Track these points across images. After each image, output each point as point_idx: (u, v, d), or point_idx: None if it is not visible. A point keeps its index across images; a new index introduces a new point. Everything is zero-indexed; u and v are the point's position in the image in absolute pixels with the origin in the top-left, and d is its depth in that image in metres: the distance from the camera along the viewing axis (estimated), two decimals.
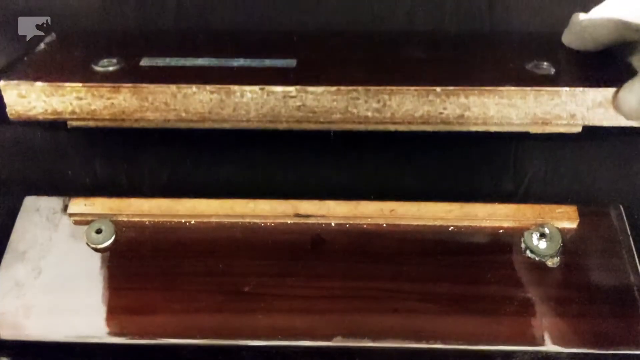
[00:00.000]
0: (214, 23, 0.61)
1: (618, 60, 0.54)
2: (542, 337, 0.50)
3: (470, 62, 0.56)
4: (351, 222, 0.57)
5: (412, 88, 0.51)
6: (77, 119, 0.54)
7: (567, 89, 0.51)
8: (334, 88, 0.51)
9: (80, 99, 0.52)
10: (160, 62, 0.55)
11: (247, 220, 0.57)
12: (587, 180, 0.61)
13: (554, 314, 0.51)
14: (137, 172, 0.61)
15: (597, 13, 0.53)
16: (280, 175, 0.62)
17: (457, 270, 0.54)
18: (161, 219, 0.57)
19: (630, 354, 0.49)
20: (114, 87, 0.52)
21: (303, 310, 0.52)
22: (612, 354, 0.49)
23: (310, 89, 0.51)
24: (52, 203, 0.58)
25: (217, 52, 0.56)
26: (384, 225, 0.57)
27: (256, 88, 0.51)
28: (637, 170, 0.60)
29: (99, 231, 0.56)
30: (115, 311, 0.52)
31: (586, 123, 0.52)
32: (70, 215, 0.57)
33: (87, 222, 0.57)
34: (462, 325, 0.51)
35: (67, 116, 0.53)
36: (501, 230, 0.56)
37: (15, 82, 0.52)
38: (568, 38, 0.56)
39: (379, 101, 0.52)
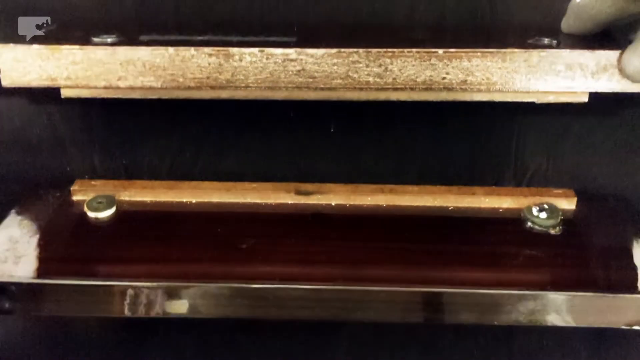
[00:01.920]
0: (214, 16, 0.62)
1: (619, 39, 0.51)
2: (547, 282, 0.48)
3: (472, 37, 0.55)
4: (351, 202, 0.56)
5: (414, 50, 0.49)
6: (72, 86, 0.51)
7: (570, 50, 0.49)
8: (334, 51, 0.49)
9: (75, 63, 0.49)
10: (160, 38, 0.52)
11: (249, 199, 0.56)
12: (589, 178, 0.60)
13: (558, 265, 0.50)
14: (136, 166, 0.60)
15: None
16: (280, 170, 0.61)
17: (459, 236, 0.53)
18: (163, 198, 0.56)
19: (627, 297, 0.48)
20: (111, 50, 0.49)
21: (302, 260, 0.50)
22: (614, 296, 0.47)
23: (311, 51, 0.49)
24: (56, 187, 0.58)
25: (218, 33, 0.54)
26: (384, 205, 0.56)
27: (255, 50, 0.49)
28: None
29: (100, 202, 0.55)
30: (108, 260, 0.50)
31: (591, 90, 0.50)
32: (74, 192, 0.56)
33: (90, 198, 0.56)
34: (467, 273, 0.49)
35: (62, 82, 0.50)
36: (501, 209, 0.55)
37: (11, 45, 0.49)
38: (566, 23, 0.53)
39: (380, 65, 0.49)
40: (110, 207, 0.55)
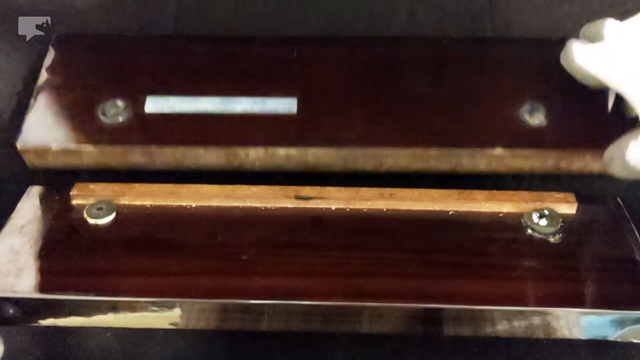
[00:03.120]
0: (213, 25, 0.61)
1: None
2: (547, 298, 0.49)
3: (464, 111, 0.57)
4: (351, 206, 0.56)
5: (409, 150, 0.54)
6: (93, 170, 0.57)
7: (555, 152, 0.55)
8: (333, 150, 0.53)
9: (94, 157, 0.55)
10: (165, 105, 0.56)
11: (248, 203, 0.56)
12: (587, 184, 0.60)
13: (557, 279, 0.50)
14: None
15: (586, 57, 0.52)
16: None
17: (458, 244, 0.53)
18: (162, 202, 0.56)
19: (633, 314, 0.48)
20: (124, 148, 0.55)
21: (301, 274, 0.50)
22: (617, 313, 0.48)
23: (311, 150, 0.53)
24: (55, 190, 0.57)
25: (219, 89, 0.57)
26: (384, 209, 0.56)
27: (261, 150, 0.54)
28: None
29: (99, 209, 0.55)
30: (110, 273, 0.51)
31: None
32: (73, 196, 0.56)
33: (89, 203, 0.56)
34: (466, 287, 0.49)
35: (83, 168, 0.57)
36: (501, 214, 0.55)
37: (31, 145, 0.55)
38: (563, 62, 0.54)
39: (375, 160, 0.54)
40: (110, 213, 0.55)
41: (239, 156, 0.55)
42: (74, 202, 0.56)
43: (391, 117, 0.56)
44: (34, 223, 0.54)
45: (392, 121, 0.56)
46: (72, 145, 0.55)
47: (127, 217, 0.55)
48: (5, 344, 0.53)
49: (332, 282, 0.49)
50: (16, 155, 0.59)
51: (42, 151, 0.55)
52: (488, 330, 0.49)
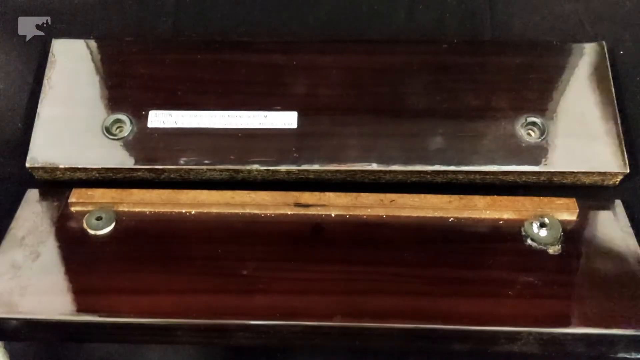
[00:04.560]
0: (213, 25, 0.61)
1: None
2: (546, 318, 0.48)
3: (463, 128, 0.57)
4: (351, 212, 0.55)
5: (407, 167, 0.56)
6: (99, 181, 0.58)
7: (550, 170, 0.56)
8: (332, 167, 0.55)
9: (100, 173, 0.57)
10: (167, 120, 0.58)
11: (247, 210, 0.56)
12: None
13: (555, 297, 0.50)
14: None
15: None
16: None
17: (457, 257, 0.53)
18: (162, 209, 0.56)
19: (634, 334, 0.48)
20: (129, 165, 0.56)
21: (301, 292, 0.50)
22: (617, 334, 0.48)
23: (312, 167, 0.55)
24: (53, 195, 0.57)
25: (220, 101, 0.58)
26: (384, 216, 0.55)
27: (262, 168, 0.56)
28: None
29: (99, 218, 0.54)
30: (112, 291, 0.50)
31: None
32: (72, 204, 0.56)
33: (88, 211, 0.55)
34: (464, 306, 0.49)
35: (91, 180, 0.58)
36: (501, 222, 0.55)
37: (40, 164, 0.56)
38: None
39: (373, 175, 0.56)
40: (109, 223, 0.54)
41: (242, 173, 0.57)
42: (73, 209, 0.56)
43: (390, 133, 0.57)
44: (34, 234, 0.54)
45: (390, 138, 0.56)
46: (80, 164, 0.56)
47: (127, 227, 0.55)
48: (7, 345, 0.54)
49: (332, 301, 0.49)
50: (15, 155, 0.59)
51: (51, 169, 0.57)
52: (487, 347, 0.49)
